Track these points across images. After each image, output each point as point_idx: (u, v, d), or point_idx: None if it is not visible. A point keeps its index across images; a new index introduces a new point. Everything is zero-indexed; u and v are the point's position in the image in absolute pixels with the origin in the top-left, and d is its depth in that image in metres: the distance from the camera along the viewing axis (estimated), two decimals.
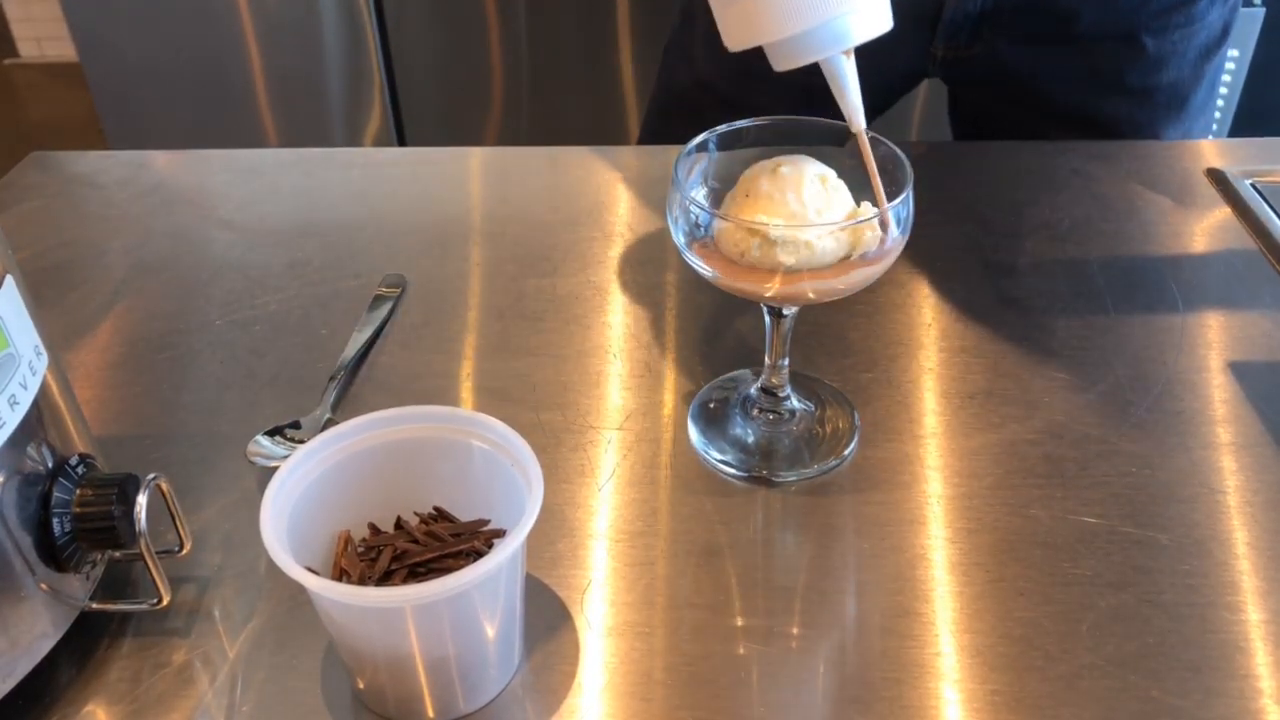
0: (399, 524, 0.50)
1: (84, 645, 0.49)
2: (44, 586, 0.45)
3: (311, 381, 0.65)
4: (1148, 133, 0.91)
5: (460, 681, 0.46)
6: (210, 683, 0.48)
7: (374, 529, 0.50)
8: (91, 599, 0.48)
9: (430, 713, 0.46)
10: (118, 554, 0.51)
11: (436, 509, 0.50)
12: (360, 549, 0.49)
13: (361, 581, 0.47)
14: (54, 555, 0.45)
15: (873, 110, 0.87)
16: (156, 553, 0.48)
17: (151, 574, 0.48)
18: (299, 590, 0.47)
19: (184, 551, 0.51)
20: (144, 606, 0.49)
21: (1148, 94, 0.90)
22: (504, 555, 0.42)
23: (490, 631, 0.45)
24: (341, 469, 0.48)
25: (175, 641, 0.49)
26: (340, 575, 0.47)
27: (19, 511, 0.44)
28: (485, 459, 0.48)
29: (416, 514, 0.50)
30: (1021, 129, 0.91)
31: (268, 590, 0.52)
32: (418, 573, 0.47)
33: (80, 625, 0.48)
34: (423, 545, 0.48)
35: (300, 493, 0.46)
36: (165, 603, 0.48)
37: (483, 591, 0.43)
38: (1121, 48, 0.88)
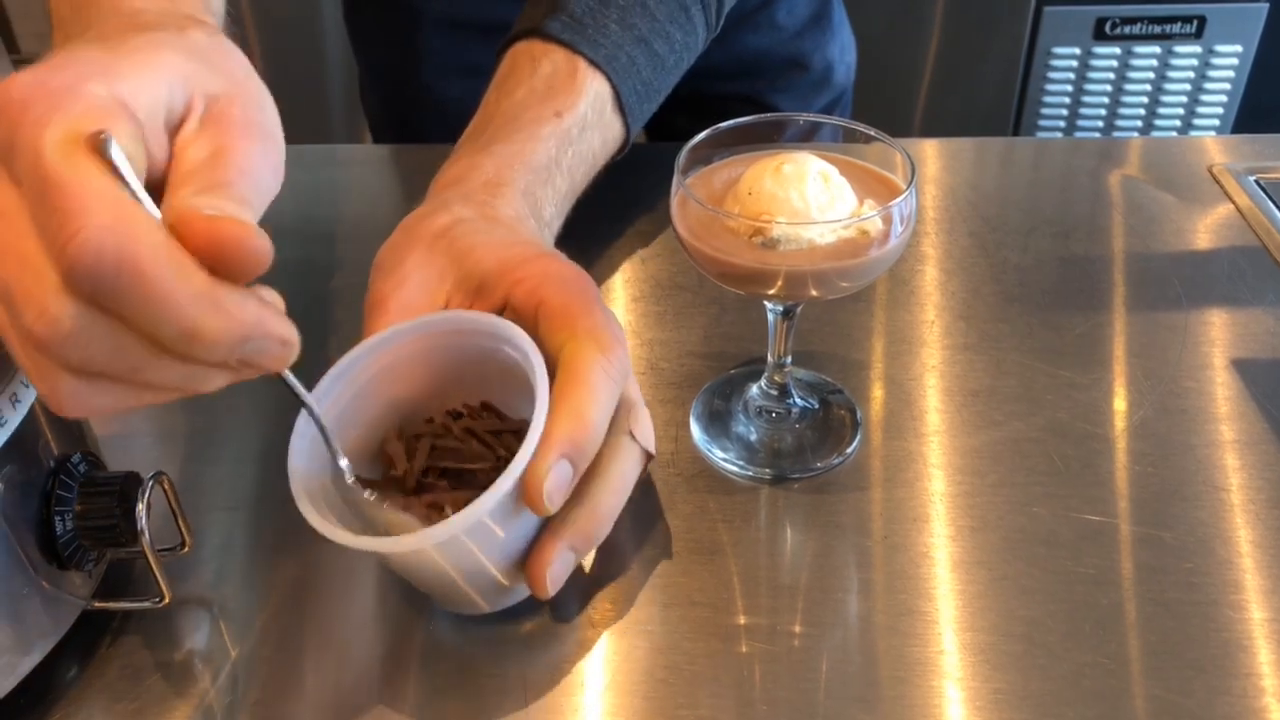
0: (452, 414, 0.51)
1: (86, 643, 0.49)
2: (46, 585, 0.45)
3: (314, 379, 0.64)
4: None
5: (503, 578, 0.47)
6: (212, 681, 0.48)
7: (430, 422, 0.50)
8: (93, 597, 0.48)
9: (484, 605, 0.48)
10: (120, 552, 0.51)
11: (484, 403, 0.51)
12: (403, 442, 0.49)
13: (402, 480, 0.47)
14: (56, 553, 0.45)
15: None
16: (158, 551, 0.47)
17: (153, 572, 0.48)
18: (301, 587, 0.47)
19: (186, 550, 0.51)
20: (146, 605, 0.49)
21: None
22: (506, 488, 0.42)
23: (522, 530, 0.45)
24: (391, 369, 0.50)
25: (177, 640, 0.50)
26: (387, 463, 0.48)
27: (21, 510, 0.44)
28: (513, 368, 0.48)
29: (467, 405, 0.51)
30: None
31: (270, 588, 0.52)
32: (449, 475, 0.47)
33: (82, 623, 0.48)
34: (459, 440, 0.48)
35: (355, 390, 0.49)
36: (167, 601, 0.48)
37: (495, 515, 0.43)
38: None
